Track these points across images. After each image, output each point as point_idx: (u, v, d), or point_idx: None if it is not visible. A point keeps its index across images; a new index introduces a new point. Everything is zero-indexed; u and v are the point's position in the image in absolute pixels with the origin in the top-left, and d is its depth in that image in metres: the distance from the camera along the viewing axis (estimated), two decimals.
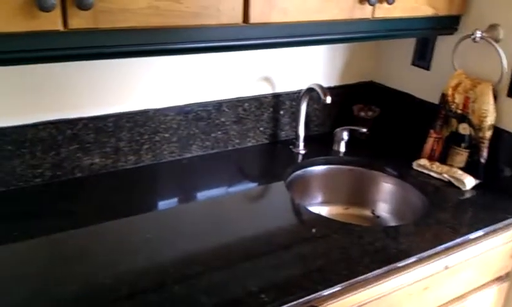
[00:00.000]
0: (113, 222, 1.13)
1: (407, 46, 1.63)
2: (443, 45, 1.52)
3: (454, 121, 1.45)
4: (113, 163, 1.34)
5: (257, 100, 1.53)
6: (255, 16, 1.04)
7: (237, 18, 1.03)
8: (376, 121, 1.70)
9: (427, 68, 1.59)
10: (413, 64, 1.63)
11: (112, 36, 0.90)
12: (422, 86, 1.60)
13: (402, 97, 1.67)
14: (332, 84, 1.70)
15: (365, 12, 1.21)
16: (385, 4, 1.22)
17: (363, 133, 1.62)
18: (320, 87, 1.43)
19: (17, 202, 1.17)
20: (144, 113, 1.34)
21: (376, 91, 1.76)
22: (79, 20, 0.84)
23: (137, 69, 1.31)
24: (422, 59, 1.60)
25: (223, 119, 1.48)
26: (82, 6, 0.82)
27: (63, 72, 1.21)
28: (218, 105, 1.46)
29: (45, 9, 0.78)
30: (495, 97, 1.37)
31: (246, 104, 1.51)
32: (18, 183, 1.22)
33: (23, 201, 1.18)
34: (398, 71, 1.69)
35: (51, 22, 0.81)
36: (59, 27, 0.82)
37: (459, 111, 1.43)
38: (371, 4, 1.19)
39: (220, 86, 1.46)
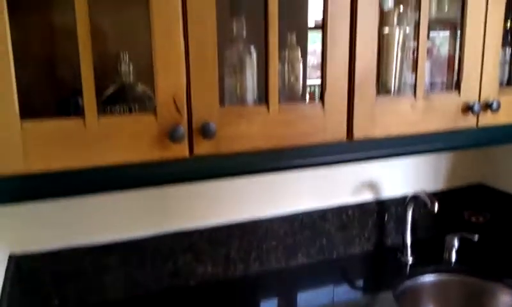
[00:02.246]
0: None
1: None
2: None
3: None
4: (223, 271, 1.41)
5: (361, 207, 1.55)
6: (358, 133, 1.10)
7: (342, 135, 1.09)
8: (487, 226, 1.62)
9: None
10: None
11: (231, 159, 1.00)
12: None
13: None
14: (438, 188, 1.67)
15: (469, 121, 1.22)
16: (489, 113, 1.22)
17: (477, 240, 1.54)
18: (427, 194, 1.41)
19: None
20: (253, 223, 1.42)
21: (486, 194, 1.69)
22: (204, 148, 0.95)
23: (247, 181, 1.41)
24: None
25: (327, 227, 1.51)
26: (207, 136, 0.93)
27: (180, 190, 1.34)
28: (322, 213, 1.49)
29: (176, 141, 0.90)
30: None
31: (350, 211, 1.53)
32: (139, 290, 1.33)
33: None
34: (508, 173, 1.62)
35: (180, 151, 0.92)
36: (186, 154, 0.94)
37: None
38: (474, 114, 1.20)
39: (324, 194, 1.50)
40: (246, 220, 1.42)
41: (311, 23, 1.19)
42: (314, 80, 1.14)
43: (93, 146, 0.86)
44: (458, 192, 1.69)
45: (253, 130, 0.99)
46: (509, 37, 1.33)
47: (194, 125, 0.93)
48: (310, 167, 1.12)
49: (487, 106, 1.22)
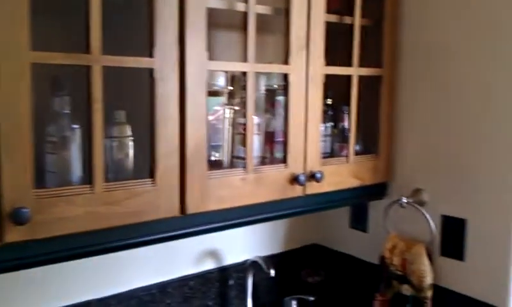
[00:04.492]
0: None
1: (343, 209, 1.73)
2: (378, 208, 1.61)
3: (395, 283, 1.50)
4: None
5: (203, 277, 1.53)
6: (192, 207, 1.10)
7: (175, 211, 1.08)
8: (325, 285, 1.72)
9: (365, 230, 1.67)
10: (351, 227, 1.71)
11: (48, 244, 0.92)
12: (362, 247, 1.67)
13: (345, 259, 1.72)
14: (277, 251, 1.74)
15: (296, 191, 1.30)
16: (314, 182, 1.32)
17: (313, 300, 1.63)
18: (263, 259, 1.46)
19: None
20: (85, 305, 1.31)
21: (321, 254, 1.81)
22: (17, 234, 0.86)
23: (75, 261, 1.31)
24: (359, 222, 1.69)
25: (167, 301, 1.46)
26: (19, 222, 0.84)
27: None
28: (162, 287, 1.44)
29: None
30: (430, 257, 1.45)
31: (192, 282, 1.51)
32: None
33: None
34: (338, 233, 1.76)
35: None
36: None
37: (399, 273, 1.49)
38: (301, 185, 1.29)
39: (163, 267, 1.46)
40: (76, 303, 1.30)
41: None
42: None
43: None
44: (295, 252, 1.78)
45: (76, 212, 0.93)
46: (329, 113, 1.47)
47: (3, 211, 0.84)
48: (141, 246, 1.08)
49: (312, 177, 1.32)
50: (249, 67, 1.18)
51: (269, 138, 1.33)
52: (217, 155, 1.21)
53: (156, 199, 1.04)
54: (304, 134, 1.31)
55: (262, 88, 1.35)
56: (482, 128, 1.34)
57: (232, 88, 1.28)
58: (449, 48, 1.40)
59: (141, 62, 1.02)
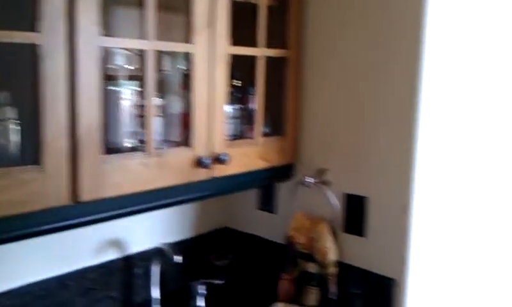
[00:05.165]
0: None
1: (251, 191, 1.72)
2: (284, 189, 1.63)
3: (301, 261, 1.52)
4: None
5: (105, 267, 1.46)
6: (85, 195, 1.02)
7: (65, 199, 1.00)
8: (233, 267, 1.71)
9: (272, 211, 1.68)
10: (259, 208, 1.72)
11: None
12: (270, 228, 1.68)
13: (254, 240, 1.72)
14: (187, 236, 1.70)
15: (201, 174, 1.26)
16: (220, 165, 1.29)
17: (220, 283, 1.61)
18: (169, 246, 1.41)
19: None
20: None
21: (231, 237, 1.79)
22: None
23: None
24: (267, 203, 1.69)
25: (67, 295, 1.36)
26: None
27: None
28: (60, 281, 1.35)
29: None
30: (334, 234, 1.48)
31: (93, 274, 1.42)
32: None
33: None
34: (247, 215, 1.76)
35: None
36: None
37: (304, 251, 1.51)
38: (206, 168, 1.25)
39: (61, 260, 1.36)
40: None
41: None
42: None
43: None
44: (205, 237, 1.75)
45: None
46: (237, 95, 1.45)
47: None
48: (30, 238, 0.99)
49: (217, 159, 1.29)
50: (149, 45, 1.11)
51: (174, 120, 1.28)
52: (116, 138, 1.14)
53: (44, 186, 0.95)
54: (210, 116, 1.27)
55: (169, 69, 1.29)
56: (380, 109, 1.38)
57: (133, 68, 1.20)
58: (350, 29, 1.43)
59: (25, 37, 0.92)
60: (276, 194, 1.67)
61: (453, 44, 1.42)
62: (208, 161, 1.25)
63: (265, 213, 1.70)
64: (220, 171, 1.31)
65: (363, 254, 1.45)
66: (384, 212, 1.40)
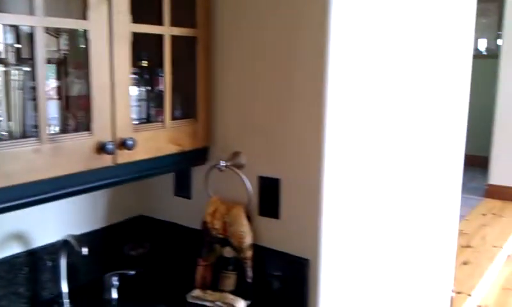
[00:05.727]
0: None
1: (168, 177, 1.67)
2: (200, 174, 1.59)
3: (218, 246, 1.50)
4: None
5: (7, 263, 1.35)
6: None
7: None
8: (149, 257, 1.66)
9: (189, 197, 1.64)
10: (176, 195, 1.67)
11: None
12: (187, 214, 1.64)
13: (170, 228, 1.68)
14: (98, 226, 1.62)
15: (105, 161, 1.20)
16: (126, 150, 1.23)
17: (135, 273, 1.56)
18: (75, 238, 1.34)
19: None
20: None
21: (147, 225, 1.73)
22: None
23: None
24: (183, 189, 1.65)
25: None
26: None
27: None
28: None
29: None
30: (249, 218, 1.47)
31: None
32: None
33: None
34: (163, 202, 1.71)
35: None
36: None
37: (220, 236, 1.49)
38: (109, 154, 1.19)
39: None
40: None
41: None
42: None
43: None
44: (118, 226, 1.68)
45: None
46: (144, 76, 1.38)
47: None
48: None
49: (122, 144, 1.23)
50: (37, 21, 1.03)
51: (71, 103, 1.20)
52: (1, 124, 1.05)
53: None
54: (112, 98, 1.20)
55: (63, 47, 1.20)
56: (292, 91, 1.38)
57: (20, 46, 1.11)
58: (260, 7, 1.40)
59: None
60: (192, 180, 1.63)
61: (360, 27, 1.44)
62: (111, 146, 1.18)
63: (182, 199, 1.66)
64: (126, 157, 1.25)
65: (279, 236, 1.45)
66: (297, 194, 1.40)
